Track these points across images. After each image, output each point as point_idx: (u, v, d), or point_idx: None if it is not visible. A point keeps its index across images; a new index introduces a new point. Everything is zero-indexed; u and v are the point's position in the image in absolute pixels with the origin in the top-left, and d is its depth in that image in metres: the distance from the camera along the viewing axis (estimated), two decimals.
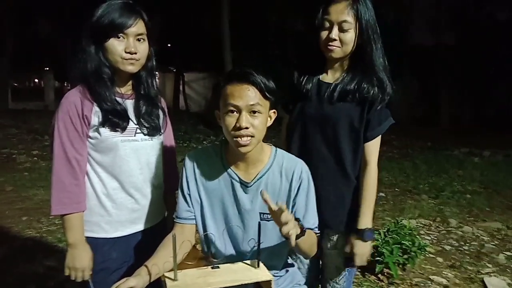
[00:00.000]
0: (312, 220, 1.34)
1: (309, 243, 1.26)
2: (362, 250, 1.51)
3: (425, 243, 2.98)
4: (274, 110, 1.27)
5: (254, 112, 1.18)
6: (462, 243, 3.67)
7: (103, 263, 1.43)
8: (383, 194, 5.20)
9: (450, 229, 4.04)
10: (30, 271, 2.73)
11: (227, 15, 10.39)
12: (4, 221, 3.73)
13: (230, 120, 1.18)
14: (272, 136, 1.41)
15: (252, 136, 1.18)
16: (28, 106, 15.58)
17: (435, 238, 3.78)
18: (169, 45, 16.14)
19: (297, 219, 1.16)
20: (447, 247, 3.54)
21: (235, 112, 1.18)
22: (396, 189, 5.57)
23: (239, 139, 1.18)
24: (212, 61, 14.81)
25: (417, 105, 15.49)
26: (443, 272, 3.03)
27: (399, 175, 6.34)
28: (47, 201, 4.22)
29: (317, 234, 1.35)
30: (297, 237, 1.10)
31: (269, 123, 1.27)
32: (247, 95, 1.16)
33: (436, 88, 15.21)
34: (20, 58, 15.42)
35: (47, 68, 18.78)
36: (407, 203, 4.86)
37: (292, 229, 1.04)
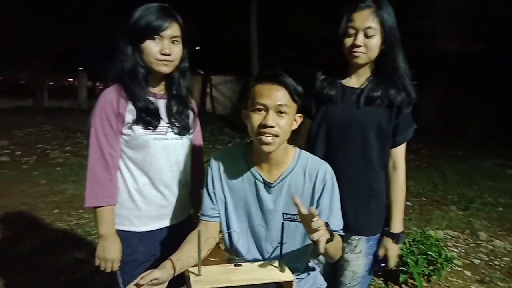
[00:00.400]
0: (336, 222, 1.34)
1: (336, 247, 1.27)
2: (396, 252, 1.60)
3: (452, 255, 2.90)
4: (300, 115, 1.29)
5: (281, 112, 1.20)
6: (493, 257, 3.54)
7: (131, 256, 1.48)
8: (409, 203, 5.08)
9: (479, 242, 3.90)
10: (60, 262, 2.84)
11: (256, 20, 10.47)
12: (38, 213, 3.90)
13: (257, 118, 1.21)
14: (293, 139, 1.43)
15: (276, 136, 1.20)
16: (62, 105, 16.20)
17: (463, 250, 3.66)
18: (197, 48, 16.40)
19: (326, 224, 1.16)
20: (476, 261, 3.43)
21: (262, 111, 1.20)
22: (423, 199, 5.43)
23: (263, 137, 1.19)
24: (239, 65, 14.97)
25: (447, 114, 15.06)
26: (471, 286, 2.93)
27: (426, 185, 6.17)
28: (78, 196, 4.43)
29: (342, 236, 1.35)
30: (327, 242, 1.10)
31: (294, 126, 1.28)
32: (275, 95, 1.18)
33: (466, 97, 14.70)
34: (55, 59, 16.08)
35: (81, 68, 19.45)
36: (434, 214, 4.73)
37: (322, 236, 1.04)
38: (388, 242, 1.57)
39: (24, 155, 6.59)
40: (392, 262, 1.59)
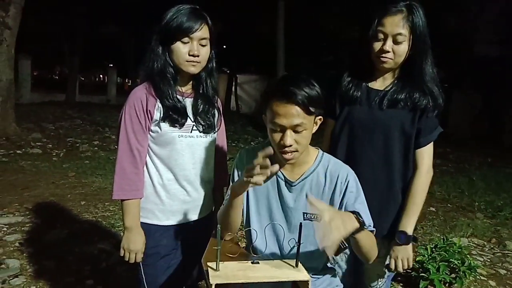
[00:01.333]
0: (364, 218, 1.31)
1: (370, 243, 1.25)
2: (398, 254, 1.52)
3: (476, 263, 2.83)
4: (320, 117, 1.29)
5: (299, 129, 1.21)
6: None
7: (154, 248, 1.54)
8: (433, 209, 4.98)
9: (506, 252, 3.78)
10: (87, 252, 2.95)
11: (282, 20, 10.48)
12: (66, 204, 4.06)
13: (276, 137, 1.23)
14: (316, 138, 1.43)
15: (296, 151, 1.23)
16: (92, 100, 16.72)
17: (488, 260, 3.56)
18: (224, 46, 16.56)
19: (355, 213, 1.17)
20: (502, 271, 3.32)
21: (279, 130, 1.22)
22: (449, 205, 5.30)
23: (284, 154, 1.24)
24: (265, 64, 15.01)
25: (479, 119, 14.56)
26: None
27: (453, 191, 6.02)
28: (104, 189, 4.57)
29: (373, 232, 1.31)
30: (356, 231, 1.11)
31: (315, 129, 1.30)
32: (291, 115, 1.18)
33: (501, 103, 14.15)
34: (87, 55, 16.64)
35: (111, 65, 20.01)
36: (459, 220, 4.61)
37: (332, 241, 1.03)
38: (392, 242, 1.53)
39: (55, 147, 6.86)
40: (392, 263, 1.53)
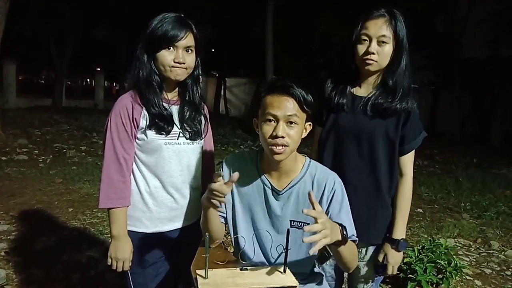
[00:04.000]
0: (347, 228, 1.36)
1: (351, 255, 1.28)
2: (396, 260, 1.58)
3: (462, 264, 2.87)
4: (310, 123, 1.32)
5: (291, 122, 1.23)
6: (505, 267, 3.49)
7: (142, 256, 1.53)
8: (421, 210, 5.05)
9: (491, 252, 3.85)
10: (75, 260, 2.92)
11: (272, 23, 10.53)
12: (53, 211, 4.01)
13: (267, 128, 1.25)
14: (305, 146, 1.46)
15: (286, 146, 1.24)
16: (79, 104, 16.54)
17: (474, 260, 3.63)
18: (213, 50, 16.56)
19: (341, 225, 1.19)
20: (487, 271, 3.39)
21: (272, 121, 1.24)
22: (436, 206, 5.38)
23: (274, 147, 1.24)
24: (254, 68, 15.05)
25: (467, 120, 14.80)
26: None
27: (439, 192, 6.11)
28: (92, 195, 4.53)
29: (356, 242, 1.35)
30: (338, 244, 1.15)
31: (304, 134, 1.32)
32: (285, 106, 1.22)
33: (489, 104, 14.42)
34: (75, 59, 16.46)
35: (99, 69, 19.84)
36: (446, 221, 4.69)
37: (323, 232, 1.03)
38: (388, 248, 1.57)
39: (42, 153, 6.78)
40: (391, 269, 1.58)
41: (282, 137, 1.22)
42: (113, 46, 16.56)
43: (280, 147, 1.23)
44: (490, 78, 13.89)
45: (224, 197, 1.13)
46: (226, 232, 1.44)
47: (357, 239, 1.34)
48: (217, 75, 18.64)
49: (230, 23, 14.45)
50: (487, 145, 12.84)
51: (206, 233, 1.11)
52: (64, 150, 7.12)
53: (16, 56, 13.86)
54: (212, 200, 1.15)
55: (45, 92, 16.62)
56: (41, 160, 6.30)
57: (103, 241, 3.29)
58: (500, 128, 14.16)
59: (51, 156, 6.64)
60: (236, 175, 1.11)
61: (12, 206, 4.03)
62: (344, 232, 1.18)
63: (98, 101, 17.79)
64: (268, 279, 1.13)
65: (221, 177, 1.12)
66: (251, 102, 16.24)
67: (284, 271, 1.17)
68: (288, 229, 1.15)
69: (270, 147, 1.25)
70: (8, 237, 3.27)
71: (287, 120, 1.23)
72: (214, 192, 1.12)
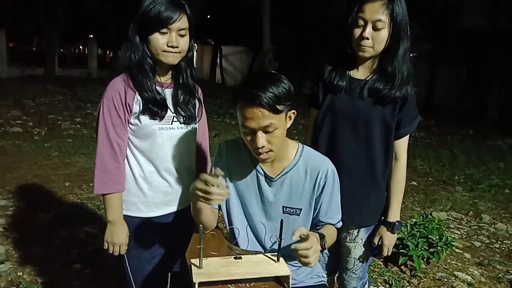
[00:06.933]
0: (335, 216, 1.40)
1: (330, 241, 1.32)
2: (391, 241, 1.63)
3: (453, 237, 2.95)
4: (293, 111, 1.28)
5: (269, 131, 1.19)
6: (494, 240, 3.59)
7: (138, 240, 1.55)
8: (415, 183, 5.12)
9: (482, 225, 3.95)
10: (73, 236, 2.97)
11: None
12: (50, 185, 4.03)
13: (248, 138, 1.23)
14: (296, 135, 1.44)
15: (271, 150, 1.23)
16: (73, 74, 16.25)
17: (465, 233, 3.72)
18: (208, 16, 16.12)
19: (321, 236, 1.23)
20: (477, 243, 3.48)
21: (250, 132, 1.21)
22: (430, 179, 5.45)
23: (258, 156, 1.24)
24: (251, 35, 14.72)
25: (464, 93, 14.74)
26: (469, 269, 3.00)
27: (434, 164, 6.18)
28: (88, 169, 4.54)
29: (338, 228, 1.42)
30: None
31: (289, 124, 1.28)
32: (258, 117, 1.16)
33: (487, 77, 14.29)
34: (66, 27, 16.00)
35: (91, 36, 19.33)
36: (439, 194, 4.77)
37: (312, 260, 1.10)
38: (383, 230, 1.61)
39: (36, 126, 6.73)
40: (386, 250, 1.63)
41: (263, 146, 1.20)
42: (103, 12, 16.08)
43: (265, 155, 1.23)
44: (488, 51, 13.70)
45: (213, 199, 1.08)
46: (219, 217, 1.45)
47: (341, 223, 1.42)
48: (212, 43, 18.26)
49: None
50: (483, 118, 12.87)
51: (200, 225, 1.11)
52: (59, 122, 7.06)
53: (4, 24, 13.43)
54: (200, 200, 1.11)
55: (37, 61, 16.24)
56: (36, 133, 6.27)
57: (100, 216, 3.33)
58: (497, 102, 14.14)
59: (46, 128, 6.60)
60: (219, 171, 1.08)
61: (9, 181, 4.04)
62: (323, 242, 1.23)
63: (92, 70, 17.47)
64: (261, 268, 1.14)
65: (218, 177, 1.07)
66: (250, 66, 16.00)
67: (278, 259, 1.19)
68: (281, 220, 1.16)
69: (255, 154, 1.25)
70: (6, 213, 3.30)
71: (265, 130, 1.19)
72: (205, 195, 1.08)
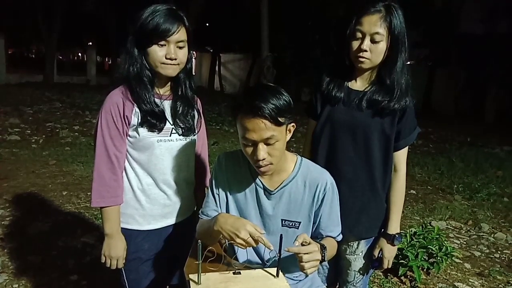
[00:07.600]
0: (335, 228, 1.39)
1: (330, 254, 1.31)
2: (391, 254, 1.62)
3: (452, 247, 2.93)
4: (293, 124, 1.28)
5: (270, 143, 1.19)
6: (493, 250, 3.57)
7: (136, 253, 1.53)
8: (414, 192, 5.11)
9: (481, 234, 3.93)
10: (71, 246, 2.94)
11: None
12: (47, 194, 4.00)
13: (248, 150, 1.22)
14: (294, 142, 1.43)
15: (271, 163, 1.22)
16: (71, 80, 16.27)
17: (464, 242, 3.70)
18: (207, 24, 16.19)
19: (322, 247, 1.22)
20: (477, 253, 3.46)
21: (251, 144, 1.20)
22: (429, 187, 5.44)
23: (259, 168, 1.23)
24: (249, 43, 14.79)
25: (462, 97, 14.79)
26: (470, 279, 2.97)
27: (433, 172, 6.17)
28: (85, 178, 4.51)
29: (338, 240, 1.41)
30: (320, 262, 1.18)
31: (288, 137, 1.28)
32: (260, 129, 1.15)
33: (484, 80, 14.36)
34: (65, 32, 16.05)
35: (90, 43, 19.38)
36: (438, 203, 4.75)
37: (313, 267, 1.12)
38: (383, 243, 1.60)
39: (34, 133, 6.70)
40: (386, 263, 1.62)
41: (264, 159, 1.20)
42: (102, 20, 16.13)
43: (265, 167, 1.23)
44: (486, 54, 13.78)
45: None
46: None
47: (341, 236, 1.41)
48: (211, 50, 18.32)
49: None
50: (480, 122, 12.90)
51: (199, 241, 1.10)
52: (57, 130, 7.04)
53: (3, 30, 13.46)
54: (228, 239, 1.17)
55: (36, 67, 16.26)
56: (33, 141, 6.24)
57: (98, 226, 3.30)
58: (494, 105, 14.19)
59: (43, 136, 6.58)
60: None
61: (6, 189, 4.01)
62: (323, 253, 1.22)
63: (91, 77, 17.51)
64: (260, 284, 1.13)
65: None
66: (248, 73, 16.01)
67: (277, 274, 1.17)
68: (281, 235, 1.14)
69: (255, 167, 1.25)
70: (2, 222, 3.27)
71: (266, 142, 1.18)
72: (241, 243, 1.14)
